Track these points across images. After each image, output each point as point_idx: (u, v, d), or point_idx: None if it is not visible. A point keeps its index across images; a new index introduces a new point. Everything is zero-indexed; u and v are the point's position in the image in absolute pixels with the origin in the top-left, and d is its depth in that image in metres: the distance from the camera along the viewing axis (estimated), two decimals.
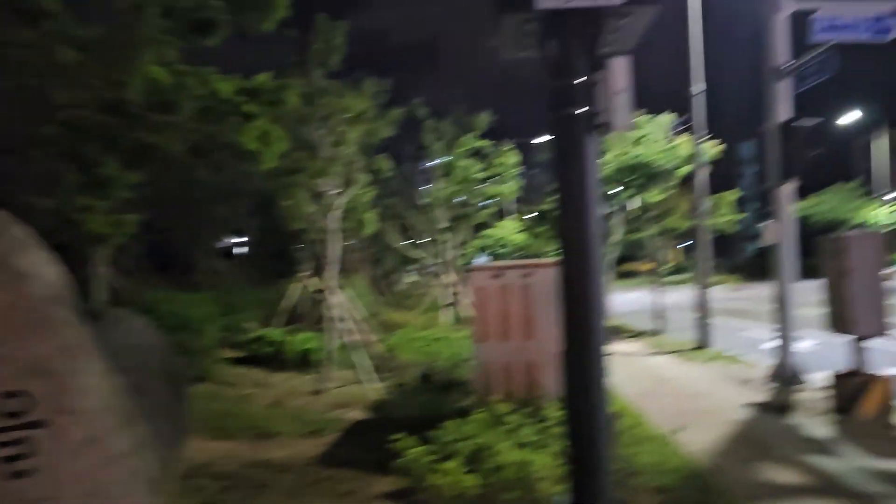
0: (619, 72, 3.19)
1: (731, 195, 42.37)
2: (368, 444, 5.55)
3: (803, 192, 45.57)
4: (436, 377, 8.11)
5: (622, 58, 3.22)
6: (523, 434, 4.77)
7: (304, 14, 8.77)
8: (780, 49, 8.65)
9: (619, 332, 15.47)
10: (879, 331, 6.94)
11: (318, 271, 10.09)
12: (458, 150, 12.54)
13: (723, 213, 28.32)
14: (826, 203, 44.00)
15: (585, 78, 3.16)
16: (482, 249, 40.00)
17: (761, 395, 8.01)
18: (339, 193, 9.05)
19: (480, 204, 13.15)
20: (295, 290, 11.84)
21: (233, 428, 6.49)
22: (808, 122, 8.03)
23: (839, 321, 7.09)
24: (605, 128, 3.20)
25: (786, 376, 8.46)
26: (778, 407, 7.40)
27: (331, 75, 8.90)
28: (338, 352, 9.05)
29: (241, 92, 5.54)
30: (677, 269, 51.49)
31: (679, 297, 24.13)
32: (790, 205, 8.52)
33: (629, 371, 9.86)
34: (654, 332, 14.67)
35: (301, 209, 9.17)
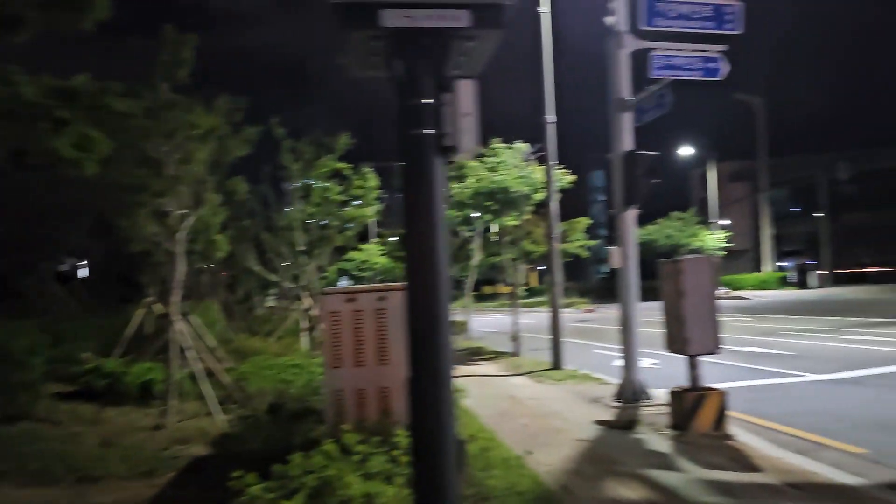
0: (467, 94, 3.18)
1: (584, 221, 44.63)
2: (207, 483, 5.17)
3: (646, 219, 48.95)
4: (286, 407, 7.77)
5: (470, 81, 3.21)
6: (373, 464, 4.62)
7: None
8: (624, 83, 9.19)
9: (478, 354, 15.70)
10: (713, 348, 7.41)
11: (164, 296, 9.43)
12: (316, 172, 12.30)
13: (576, 238, 29.77)
14: (666, 229, 47.32)
15: (433, 99, 3.13)
16: (344, 273, 39.59)
17: (609, 413, 8.33)
18: (185, 214, 8.54)
19: (340, 227, 12.94)
20: (138, 317, 11.04)
21: (53, 472, 5.84)
22: (648, 153, 8.55)
23: (676, 340, 7.51)
24: (452, 150, 3.16)
25: (631, 394, 8.89)
26: (624, 424, 7.71)
27: (182, 90, 8.41)
28: (183, 382, 8.48)
29: (54, 95, 5.05)
30: (534, 292, 53.55)
31: (536, 318, 25.08)
32: (632, 230, 9.01)
33: (485, 393, 9.98)
34: (511, 354, 15.00)
35: (143, 230, 8.56)
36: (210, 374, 8.74)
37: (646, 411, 8.36)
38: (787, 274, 50.51)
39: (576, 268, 46.29)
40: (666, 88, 8.44)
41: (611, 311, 21.30)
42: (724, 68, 9.48)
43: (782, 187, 57.25)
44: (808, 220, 57.58)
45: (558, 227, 12.79)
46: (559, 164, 14.92)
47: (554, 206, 12.76)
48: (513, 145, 15.16)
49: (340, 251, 23.34)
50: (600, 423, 7.78)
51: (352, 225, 13.27)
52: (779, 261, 54.42)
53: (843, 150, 56.74)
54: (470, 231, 18.08)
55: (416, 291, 3.10)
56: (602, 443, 6.89)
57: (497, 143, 15.65)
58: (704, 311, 7.37)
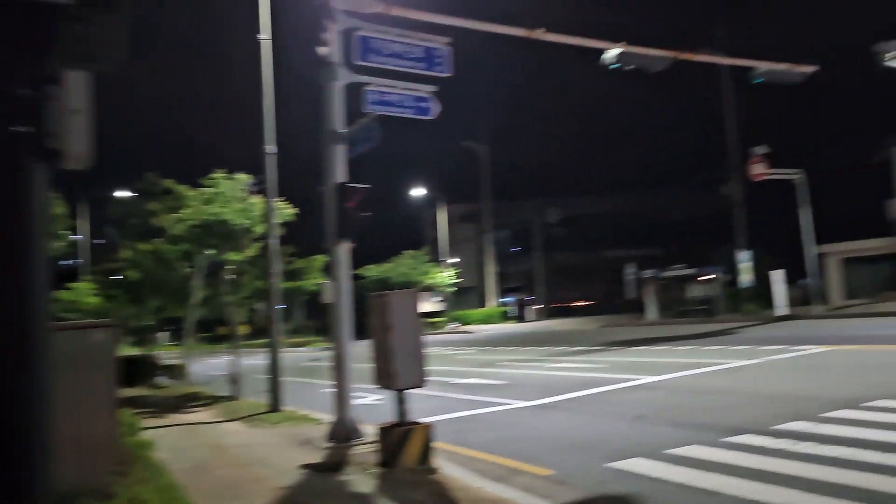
0: (79, 89, 2.62)
1: (320, 259, 44.22)
2: None
3: (382, 257, 50.21)
4: None
5: (83, 74, 2.66)
6: None
7: None
8: (338, 115, 9.07)
9: (194, 400, 14.44)
10: (419, 382, 7.39)
11: None
12: None
13: (313, 276, 29.29)
14: (400, 267, 48.90)
15: (32, 90, 2.51)
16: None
17: (319, 455, 7.93)
18: None
19: None
20: None
21: None
22: (359, 185, 8.46)
23: (383, 375, 7.39)
24: (55, 154, 2.57)
25: (344, 434, 8.59)
26: (332, 465, 7.36)
27: None
28: None
29: None
30: (265, 332, 51.82)
31: (264, 359, 24.13)
32: (345, 264, 8.82)
33: (187, 443, 9.04)
34: (229, 398, 14.00)
35: None
36: None
37: (358, 450, 8.11)
38: (509, 309, 54.95)
39: (314, 306, 45.75)
40: (374, 122, 8.47)
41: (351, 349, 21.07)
42: (435, 108, 9.83)
43: (504, 229, 62.57)
44: (526, 260, 63.47)
45: (279, 264, 12.24)
46: (283, 197, 14.48)
47: (274, 241, 12.21)
48: (234, 176, 14.37)
49: None
50: (307, 466, 7.34)
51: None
52: (502, 296, 59.06)
53: (555, 196, 63.88)
54: (189, 267, 16.76)
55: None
56: (302, 488, 6.45)
57: (218, 174, 14.76)
58: (411, 345, 7.34)
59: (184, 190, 15.37)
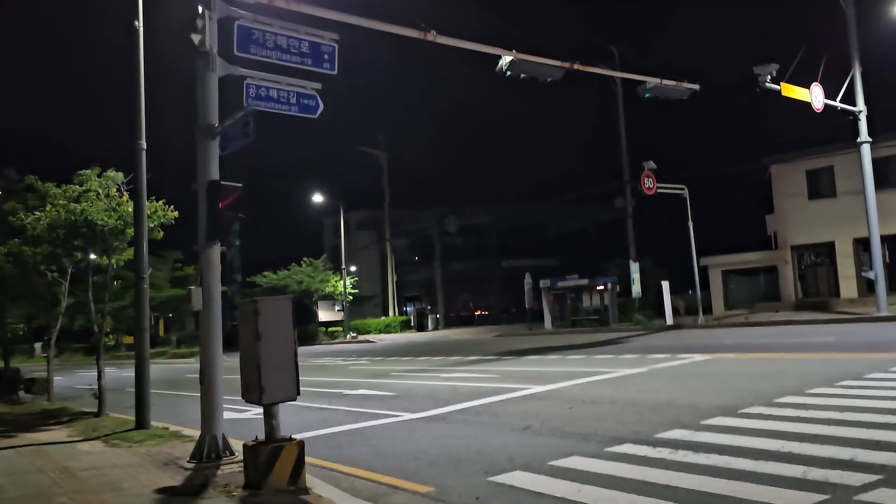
0: None
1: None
2: None
3: (279, 264, 48.82)
4: None
5: None
6: None
7: None
8: (212, 108, 8.46)
9: (54, 417, 13.21)
10: (292, 395, 6.86)
11: None
12: None
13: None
14: (298, 274, 47.72)
15: None
16: None
17: (181, 477, 7.26)
18: None
19: None
20: None
21: None
22: (231, 184, 7.88)
23: (252, 389, 6.82)
24: None
25: (211, 452, 7.94)
26: (192, 489, 6.73)
27: None
28: None
29: None
30: (155, 341, 49.28)
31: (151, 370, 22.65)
32: (216, 269, 8.19)
33: (31, 467, 8.11)
34: (93, 414, 12.88)
35: None
36: None
37: (226, 470, 7.50)
38: (408, 318, 54.64)
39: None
40: (250, 116, 7.90)
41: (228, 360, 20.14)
42: (320, 106, 9.37)
43: (404, 237, 62.28)
44: (425, 269, 63.38)
45: (147, 268, 11.32)
46: (164, 199, 13.52)
47: (142, 243, 11.28)
48: (105, 173, 13.28)
49: None
50: (163, 490, 6.67)
51: None
52: (402, 305, 58.68)
53: (453, 205, 64.19)
54: (53, 272, 15.41)
55: None
56: None
57: (88, 171, 13.62)
58: (283, 357, 6.81)
59: (48, 187, 14.12)
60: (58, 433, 11.24)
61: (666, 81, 16.24)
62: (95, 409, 13.01)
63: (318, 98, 9.36)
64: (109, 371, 17.70)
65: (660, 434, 7.80)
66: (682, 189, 31.80)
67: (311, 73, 9.51)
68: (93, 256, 13.90)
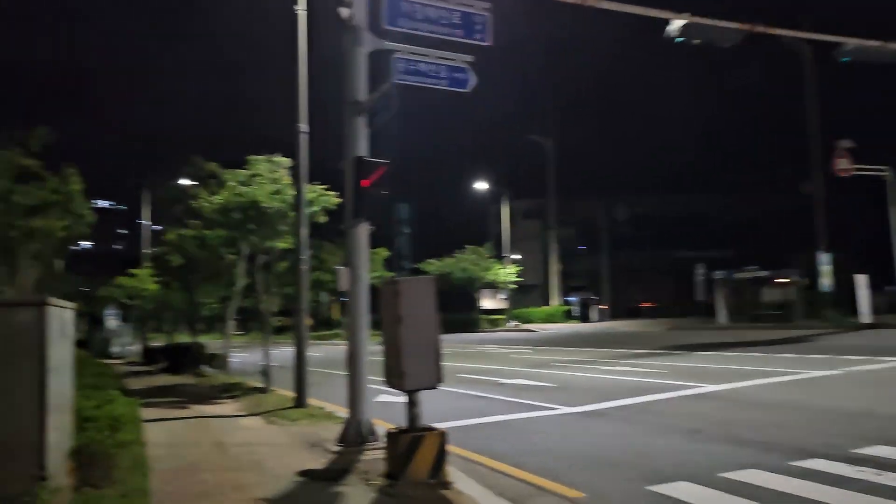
0: None
1: (381, 253, 43.79)
2: None
3: (444, 251, 49.51)
4: None
5: None
6: None
7: None
8: (361, 84, 8.25)
9: (228, 392, 13.91)
10: (432, 383, 6.45)
11: None
12: None
13: (374, 269, 28.78)
14: (462, 262, 48.04)
15: None
16: (112, 301, 35.36)
17: (324, 460, 7.13)
18: None
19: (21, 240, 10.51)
20: None
21: None
22: (376, 160, 7.61)
23: (393, 373, 6.50)
24: None
25: (356, 436, 7.78)
26: (332, 473, 6.53)
27: None
28: None
29: None
30: (328, 324, 51.91)
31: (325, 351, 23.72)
32: (364, 248, 7.98)
33: (190, 439, 8.41)
34: (261, 390, 13.41)
35: None
36: None
37: (368, 456, 7.27)
38: (572, 308, 53.35)
39: (374, 299, 45.45)
40: (392, 88, 7.58)
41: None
42: (472, 80, 8.90)
43: (570, 226, 60.84)
44: (591, 258, 61.66)
45: (307, 250, 11.48)
46: (327, 184, 13.77)
47: (304, 226, 11.44)
48: (272, 158, 13.75)
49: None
50: (305, 473, 6.53)
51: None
52: (565, 295, 57.44)
53: (623, 193, 61.73)
54: (232, 254, 16.31)
55: None
56: (285, 502, 5.62)
57: (258, 157, 14.18)
58: (425, 341, 6.41)
59: (226, 174, 14.90)
60: (226, 407, 11.77)
61: (869, 42, 14.08)
62: (264, 386, 13.54)
63: (470, 71, 8.89)
64: (287, 350, 18.60)
65: (859, 449, 6.56)
66: (885, 170, 28.06)
67: (464, 45, 9.05)
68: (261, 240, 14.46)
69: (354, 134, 8.07)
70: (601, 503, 5.55)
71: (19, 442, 4.02)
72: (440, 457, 6.28)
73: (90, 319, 39.79)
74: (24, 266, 10.65)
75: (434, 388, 6.47)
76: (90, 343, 34.93)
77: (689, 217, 61.19)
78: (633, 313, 55.50)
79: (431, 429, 6.42)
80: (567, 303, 55.67)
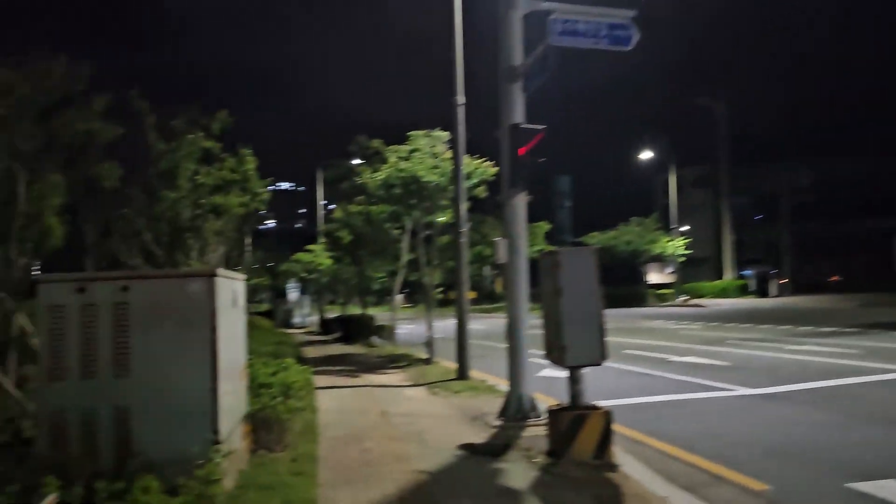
0: None
1: (543, 227, 43.41)
2: None
3: (608, 224, 48.09)
4: None
5: None
6: None
7: None
8: (516, 49, 7.94)
9: (395, 362, 14.33)
10: (595, 359, 6.11)
11: None
12: (182, 152, 10.74)
13: (534, 244, 28.57)
14: (626, 235, 46.44)
15: None
16: (292, 276, 37.82)
17: (485, 434, 7.03)
18: None
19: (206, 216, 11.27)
20: None
21: None
22: (533, 126, 7.29)
23: (553, 348, 6.23)
24: None
25: (516, 411, 7.61)
26: (493, 449, 6.40)
27: None
28: None
29: None
30: (491, 297, 52.31)
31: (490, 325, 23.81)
32: (521, 219, 7.72)
33: (358, 407, 8.65)
34: (426, 361, 13.67)
35: None
36: None
37: (530, 432, 7.08)
38: (748, 282, 49.92)
39: (535, 273, 45.22)
40: (549, 49, 7.18)
41: None
42: (635, 36, 8.27)
43: (744, 194, 56.78)
44: (769, 229, 57.19)
45: (466, 223, 11.42)
46: (485, 157, 13.65)
47: (462, 199, 11.38)
48: (431, 133, 13.82)
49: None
50: (465, 447, 6.45)
51: (227, 216, 11.63)
52: (740, 269, 53.83)
53: (803, 158, 56.48)
54: (397, 228, 16.74)
55: None
56: (446, 476, 5.55)
57: (417, 132, 14.32)
58: (586, 315, 6.07)
59: (388, 151, 15.22)
60: (392, 377, 12.08)
61: None
62: (428, 357, 13.79)
63: (633, 27, 8.27)
64: (451, 323, 18.97)
65: None
66: None
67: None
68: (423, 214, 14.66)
69: (510, 101, 7.80)
70: (789, 498, 4.96)
71: (193, 407, 4.23)
72: (605, 437, 5.96)
73: (275, 292, 43.05)
74: (212, 241, 11.53)
75: (598, 364, 6.14)
76: (275, 314, 37.82)
77: (881, 182, 54.81)
78: (817, 288, 50.84)
79: (595, 407, 6.11)
80: (742, 277, 52.14)
